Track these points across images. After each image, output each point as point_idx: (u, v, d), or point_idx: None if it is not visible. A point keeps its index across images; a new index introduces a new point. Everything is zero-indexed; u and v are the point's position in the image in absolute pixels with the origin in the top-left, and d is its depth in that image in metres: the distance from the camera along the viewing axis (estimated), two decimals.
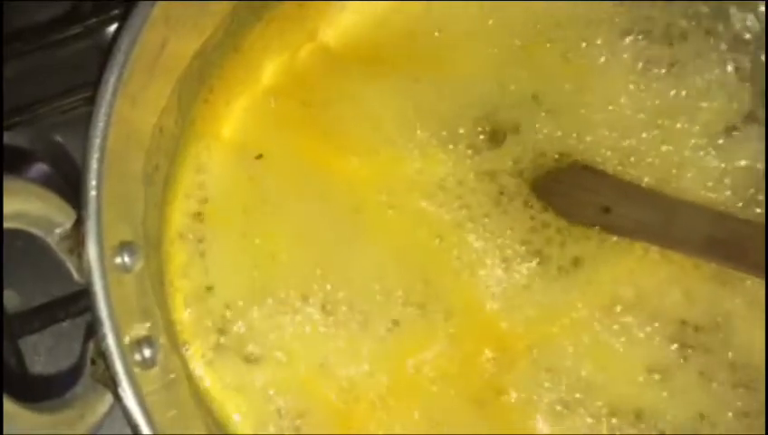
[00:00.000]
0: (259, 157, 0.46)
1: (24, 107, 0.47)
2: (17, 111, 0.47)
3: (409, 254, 0.45)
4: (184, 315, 0.42)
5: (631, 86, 0.46)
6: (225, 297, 0.43)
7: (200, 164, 0.46)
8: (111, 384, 0.33)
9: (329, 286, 0.43)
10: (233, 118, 0.47)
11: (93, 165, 0.35)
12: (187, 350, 0.42)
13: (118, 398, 0.34)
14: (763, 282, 0.43)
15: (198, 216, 0.44)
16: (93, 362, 0.34)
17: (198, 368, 0.42)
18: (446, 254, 0.45)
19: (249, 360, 0.42)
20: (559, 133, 0.46)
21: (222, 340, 0.43)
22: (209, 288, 0.43)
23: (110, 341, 0.34)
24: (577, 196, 0.46)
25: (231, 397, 0.42)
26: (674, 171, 0.46)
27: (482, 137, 0.46)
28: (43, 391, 0.34)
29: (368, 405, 0.42)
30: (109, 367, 0.34)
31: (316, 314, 0.43)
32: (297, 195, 0.45)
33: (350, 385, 0.43)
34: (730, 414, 0.44)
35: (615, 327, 0.44)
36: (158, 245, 0.42)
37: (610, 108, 0.46)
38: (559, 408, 0.44)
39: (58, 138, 0.47)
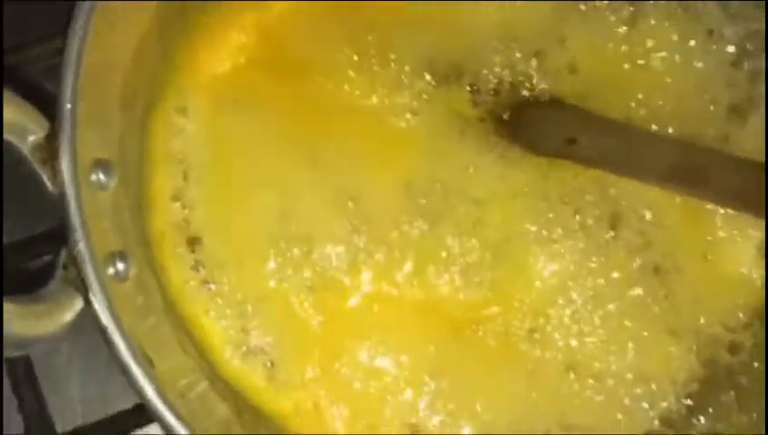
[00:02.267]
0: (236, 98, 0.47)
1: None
2: None
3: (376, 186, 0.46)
4: (160, 234, 0.44)
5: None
6: (203, 218, 0.44)
7: (180, 98, 0.47)
8: (82, 288, 0.35)
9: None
10: (213, 56, 0.48)
11: (69, 79, 0.36)
12: (162, 268, 0.43)
13: (88, 302, 0.35)
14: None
15: (179, 139, 0.45)
16: (65, 268, 0.35)
17: (173, 284, 0.43)
18: (415, 188, 0.46)
19: (220, 270, 0.44)
20: (524, 68, 0.47)
21: (196, 258, 0.44)
22: (186, 208, 0.44)
23: (82, 247, 0.35)
24: (543, 128, 0.47)
25: (203, 305, 0.44)
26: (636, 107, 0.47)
27: (447, 73, 0.47)
28: (12, 285, 0.35)
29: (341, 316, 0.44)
30: (80, 273, 0.35)
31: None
32: (268, 137, 0.47)
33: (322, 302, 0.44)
34: None
35: None
36: (138, 166, 0.43)
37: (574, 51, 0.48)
38: None
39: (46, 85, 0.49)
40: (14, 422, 0.49)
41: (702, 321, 0.46)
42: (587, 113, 0.47)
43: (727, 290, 0.47)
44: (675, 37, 0.47)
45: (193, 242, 0.44)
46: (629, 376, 0.45)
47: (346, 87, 0.46)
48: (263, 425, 0.43)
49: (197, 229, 0.44)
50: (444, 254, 0.45)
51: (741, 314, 0.47)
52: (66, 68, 0.37)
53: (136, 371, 0.36)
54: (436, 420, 0.44)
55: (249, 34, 0.48)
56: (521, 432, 0.44)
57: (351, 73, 0.46)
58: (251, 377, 0.43)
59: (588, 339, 0.45)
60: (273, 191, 0.45)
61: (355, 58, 0.46)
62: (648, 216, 0.46)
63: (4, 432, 0.47)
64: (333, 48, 0.46)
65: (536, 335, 0.45)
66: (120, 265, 0.39)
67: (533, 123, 0.47)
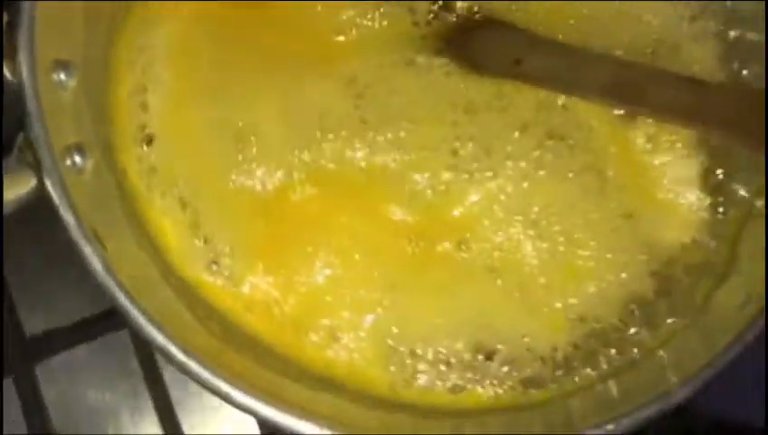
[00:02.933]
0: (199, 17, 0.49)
1: None
2: None
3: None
4: (120, 138, 0.46)
5: None
6: (161, 123, 0.46)
7: (145, 18, 0.49)
8: (37, 169, 0.37)
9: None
10: None
11: None
12: (121, 170, 0.46)
13: (41, 182, 0.37)
14: None
15: (143, 54, 0.47)
16: (21, 151, 0.38)
17: (131, 186, 0.46)
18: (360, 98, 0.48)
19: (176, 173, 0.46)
20: None
21: (153, 163, 0.46)
22: (146, 113, 0.46)
23: (39, 133, 0.38)
24: (490, 49, 0.49)
25: (159, 207, 0.46)
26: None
27: None
28: None
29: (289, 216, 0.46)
30: (35, 155, 0.37)
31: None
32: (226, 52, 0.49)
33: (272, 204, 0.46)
34: None
35: None
36: (101, 72, 0.45)
37: None
38: None
39: None
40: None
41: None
42: (533, 35, 0.49)
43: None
44: None
45: (150, 143, 0.46)
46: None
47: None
48: (216, 321, 0.45)
49: (155, 132, 0.46)
50: (390, 166, 0.47)
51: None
52: None
53: (87, 249, 0.38)
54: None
55: None
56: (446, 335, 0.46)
57: None
58: (201, 274, 0.46)
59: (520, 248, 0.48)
60: (229, 101, 0.47)
61: None
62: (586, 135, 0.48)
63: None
64: None
65: (469, 245, 0.47)
66: (78, 159, 0.41)
67: (480, 44, 0.49)
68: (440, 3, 0.49)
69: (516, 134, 0.48)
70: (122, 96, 0.46)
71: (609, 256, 0.48)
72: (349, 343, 0.46)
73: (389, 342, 0.47)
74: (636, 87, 0.46)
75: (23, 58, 0.39)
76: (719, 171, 0.49)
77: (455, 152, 0.48)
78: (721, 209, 0.50)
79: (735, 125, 0.44)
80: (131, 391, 0.53)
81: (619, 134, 0.49)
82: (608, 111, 0.48)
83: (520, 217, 0.47)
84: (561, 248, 0.48)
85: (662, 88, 0.45)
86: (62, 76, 0.41)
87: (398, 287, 0.47)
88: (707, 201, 0.49)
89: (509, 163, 0.48)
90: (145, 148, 0.46)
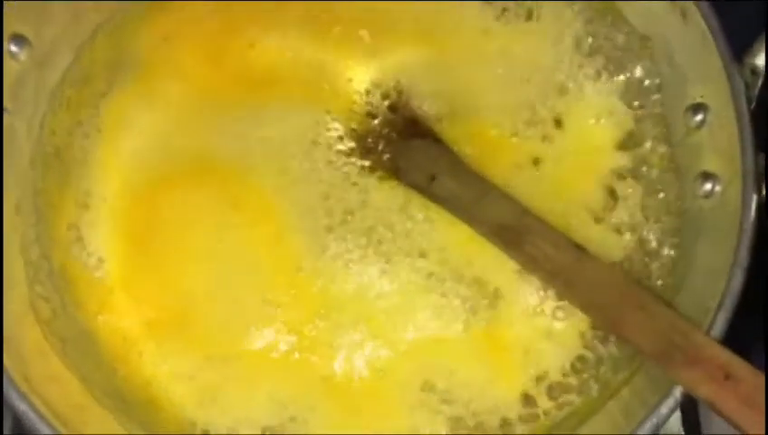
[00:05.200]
0: None
1: None
2: None
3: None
4: None
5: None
6: None
7: None
8: None
9: None
10: None
11: None
12: None
13: None
14: None
15: None
16: None
17: None
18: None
19: None
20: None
21: None
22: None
23: None
24: (416, 159, 0.53)
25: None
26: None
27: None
28: None
29: None
30: None
31: None
32: None
33: None
34: None
35: None
36: None
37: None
38: None
39: None
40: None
41: None
42: (455, 156, 0.52)
43: None
44: None
45: None
46: None
47: None
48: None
49: None
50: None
51: None
52: None
53: None
54: None
55: None
56: None
57: None
58: None
59: None
60: None
61: None
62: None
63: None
64: None
65: None
66: None
67: (411, 152, 0.53)
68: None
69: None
70: None
71: None
72: None
73: None
74: (517, 234, 0.49)
75: None
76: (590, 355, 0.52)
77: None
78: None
79: (591, 306, 0.48)
80: None
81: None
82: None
83: None
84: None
85: (541, 242, 0.48)
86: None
87: None
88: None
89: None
90: None
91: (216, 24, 0.54)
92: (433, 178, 0.52)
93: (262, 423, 0.50)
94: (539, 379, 0.50)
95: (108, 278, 0.51)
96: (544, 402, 0.50)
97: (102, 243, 0.52)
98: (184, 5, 0.54)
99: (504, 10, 0.54)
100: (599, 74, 0.54)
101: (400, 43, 0.54)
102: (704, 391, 0.42)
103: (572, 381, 0.50)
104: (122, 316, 0.51)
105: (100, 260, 0.52)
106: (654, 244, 0.51)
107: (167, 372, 0.50)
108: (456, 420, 0.50)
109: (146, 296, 0.51)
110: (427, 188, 0.52)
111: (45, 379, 0.46)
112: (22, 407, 0.43)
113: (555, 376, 0.50)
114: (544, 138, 0.53)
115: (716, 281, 0.45)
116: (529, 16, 0.54)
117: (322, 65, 0.54)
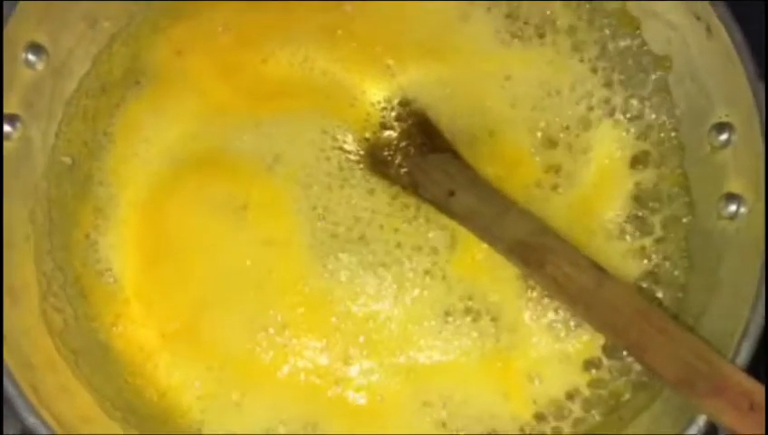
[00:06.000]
0: None
1: None
2: None
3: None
4: None
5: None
6: None
7: None
8: None
9: None
10: None
11: None
12: None
13: None
14: None
15: None
16: None
17: None
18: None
19: None
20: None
21: None
22: None
23: None
24: (433, 174, 0.52)
25: None
26: None
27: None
28: None
29: None
30: None
31: None
32: None
33: None
34: None
35: None
36: None
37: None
38: None
39: None
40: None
41: None
42: (474, 172, 0.52)
43: None
44: None
45: None
46: None
47: None
48: None
49: None
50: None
51: None
52: None
53: None
54: None
55: None
56: None
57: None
58: None
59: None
60: None
61: None
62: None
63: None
64: None
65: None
66: None
67: (429, 167, 0.52)
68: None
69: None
70: None
71: None
72: None
73: None
74: (537, 253, 0.48)
75: None
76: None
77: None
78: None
79: (611, 328, 0.46)
80: None
81: None
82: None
83: None
84: None
85: (562, 261, 0.47)
86: None
87: None
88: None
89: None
90: None
91: (229, 40, 0.54)
92: (451, 193, 0.51)
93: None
94: (549, 403, 0.49)
95: (123, 289, 0.51)
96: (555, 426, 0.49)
97: (117, 253, 0.52)
98: (198, 21, 0.54)
99: (521, 30, 0.54)
100: (616, 95, 0.53)
101: (417, 59, 0.54)
102: (727, 419, 0.41)
103: (578, 407, 0.49)
104: (138, 327, 0.51)
105: (115, 271, 0.51)
106: (674, 267, 0.50)
107: (179, 382, 0.50)
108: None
109: (161, 307, 0.51)
110: (445, 204, 0.51)
111: (55, 390, 0.45)
112: (30, 419, 0.42)
113: (564, 401, 0.49)
114: (562, 158, 0.52)
115: (740, 306, 0.44)
116: (542, 36, 0.54)
117: (336, 79, 0.54)
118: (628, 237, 0.51)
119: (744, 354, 0.43)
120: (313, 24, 0.54)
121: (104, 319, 0.51)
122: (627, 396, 0.49)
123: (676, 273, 0.50)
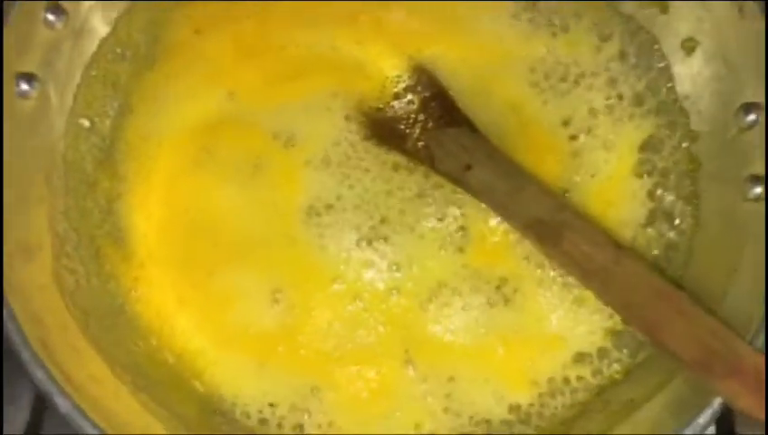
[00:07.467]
0: None
1: None
2: None
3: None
4: None
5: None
6: None
7: None
8: None
9: None
10: None
11: None
12: None
13: None
14: None
15: None
16: None
17: None
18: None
19: None
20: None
21: None
22: None
23: None
24: (450, 148, 0.51)
25: None
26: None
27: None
28: None
29: None
30: None
31: None
32: None
33: None
34: None
35: None
36: None
37: None
38: None
39: None
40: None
41: None
42: (492, 146, 0.51)
43: None
44: None
45: None
46: None
47: None
48: None
49: None
50: None
51: None
52: None
53: None
54: None
55: None
56: None
57: None
58: None
59: None
60: None
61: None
62: None
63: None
64: None
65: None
66: None
67: (446, 141, 0.51)
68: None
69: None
70: None
71: None
72: None
73: None
74: (554, 230, 0.47)
75: None
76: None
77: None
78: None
79: (628, 307, 0.45)
80: None
81: None
82: None
83: None
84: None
85: (579, 238, 0.46)
86: None
87: None
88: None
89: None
90: None
91: (252, 24, 0.54)
92: (468, 167, 0.50)
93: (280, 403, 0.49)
94: (555, 379, 0.49)
95: (138, 253, 0.51)
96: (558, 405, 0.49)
97: (133, 217, 0.52)
98: (221, 4, 0.54)
99: (546, 18, 0.54)
100: (640, 82, 0.53)
101: (438, 42, 0.54)
102: (744, 402, 0.40)
103: (580, 385, 0.49)
104: (156, 291, 0.51)
105: (131, 234, 0.51)
106: (694, 250, 0.50)
107: (196, 347, 0.50)
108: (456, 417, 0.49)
109: (176, 271, 0.51)
110: (461, 178, 0.50)
111: (65, 348, 0.45)
112: (38, 374, 0.42)
113: (566, 384, 0.49)
114: (579, 149, 0.52)
115: (763, 289, 0.43)
116: (566, 24, 0.54)
117: (354, 55, 0.54)
118: (647, 224, 0.50)
119: (763, 338, 0.42)
120: (339, 10, 0.54)
121: (121, 282, 0.51)
122: (627, 388, 0.48)
123: (697, 255, 0.49)
